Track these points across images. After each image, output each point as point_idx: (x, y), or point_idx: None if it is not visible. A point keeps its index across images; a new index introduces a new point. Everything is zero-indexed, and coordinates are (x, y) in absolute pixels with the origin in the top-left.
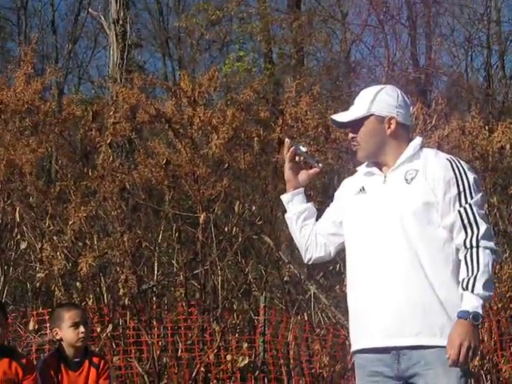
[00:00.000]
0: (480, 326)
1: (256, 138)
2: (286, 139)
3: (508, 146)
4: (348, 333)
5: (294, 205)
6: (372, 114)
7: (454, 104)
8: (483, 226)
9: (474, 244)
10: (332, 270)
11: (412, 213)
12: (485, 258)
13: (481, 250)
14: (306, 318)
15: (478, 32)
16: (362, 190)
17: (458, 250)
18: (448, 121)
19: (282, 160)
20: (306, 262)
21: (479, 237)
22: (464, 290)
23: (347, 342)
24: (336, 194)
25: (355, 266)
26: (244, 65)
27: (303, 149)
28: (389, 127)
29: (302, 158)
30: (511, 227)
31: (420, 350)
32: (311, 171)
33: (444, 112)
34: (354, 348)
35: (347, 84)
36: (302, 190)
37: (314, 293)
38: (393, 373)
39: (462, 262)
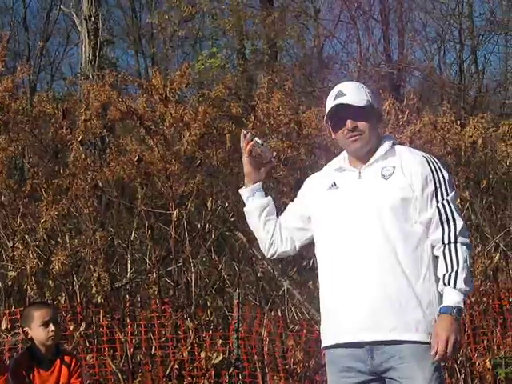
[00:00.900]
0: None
1: (228, 135)
2: (243, 131)
3: (480, 141)
4: None
5: (256, 199)
6: (374, 108)
7: (426, 99)
8: (460, 222)
9: (452, 240)
10: (305, 266)
11: (390, 208)
12: (463, 253)
13: (459, 245)
14: (279, 314)
15: (450, 27)
16: (334, 185)
17: (433, 247)
18: (420, 116)
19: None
20: (268, 256)
21: (457, 232)
22: (446, 285)
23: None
24: (302, 190)
25: (329, 261)
26: (217, 61)
27: (259, 141)
28: (382, 120)
29: (258, 150)
30: (483, 221)
31: (395, 345)
32: (267, 165)
33: (416, 107)
34: (326, 343)
35: (320, 80)
36: (261, 183)
37: (287, 289)
38: (366, 368)
39: (441, 258)
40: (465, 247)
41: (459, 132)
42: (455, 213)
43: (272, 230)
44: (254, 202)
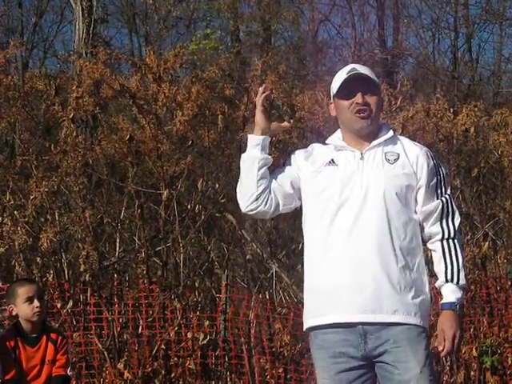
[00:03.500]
0: None
1: (221, 116)
2: (264, 86)
3: (472, 129)
4: None
5: (263, 151)
6: (380, 91)
7: (420, 86)
8: (459, 220)
9: (452, 235)
10: (294, 249)
11: (396, 193)
12: (460, 248)
13: (456, 241)
14: (267, 297)
15: (446, 14)
16: (332, 162)
17: (428, 238)
18: (413, 102)
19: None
20: (245, 209)
21: (456, 229)
22: (447, 281)
23: None
24: (294, 160)
25: (324, 237)
26: (211, 42)
27: (279, 103)
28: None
29: (273, 111)
30: (473, 210)
31: (389, 329)
32: (282, 124)
33: (409, 93)
34: (317, 322)
35: (314, 64)
36: (269, 139)
37: (275, 271)
38: (359, 353)
39: (439, 253)
40: (459, 244)
41: (452, 120)
42: (455, 209)
43: (263, 188)
44: (261, 152)
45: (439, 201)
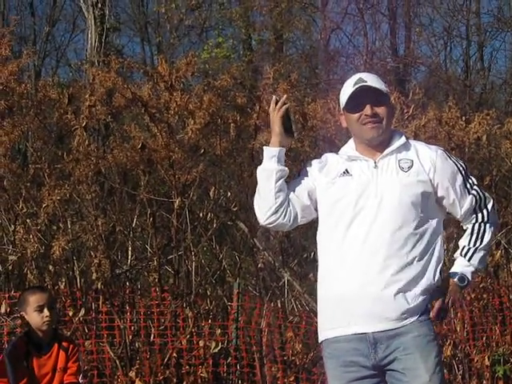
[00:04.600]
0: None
1: (232, 124)
2: (275, 97)
3: (484, 137)
4: None
5: (279, 161)
6: (390, 99)
7: (432, 94)
8: (490, 202)
9: (486, 219)
10: (306, 257)
11: (411, 201)
12: (489, 234)
13: (488, 226)
14: (279, 305)
15: (458, 23)
16: (347, 172)
17: (465, 222)
18: (425, 111)
19: (259, 144)
20: (264, 222)
21: (489, 213)
22: (461, 255)
23: None
24: (309, 171)
25: (341, 248)
26: (223, 51)
27: (291, 115)
28: (394, 115)
29: (286, 122)
30: None
31: (400, 337)
32: (289, 138)
33: (421, 102)
34: (330, 335)
35: (326, 72)
36: (285, 149)
37: (287, 280)
38: (369, 362)
39: (469, 230)
40: (493, 227)
41: (464, 128)
42: (486, 194)
43: (282, 200)
44: (278, 164)
45: (471, 196)
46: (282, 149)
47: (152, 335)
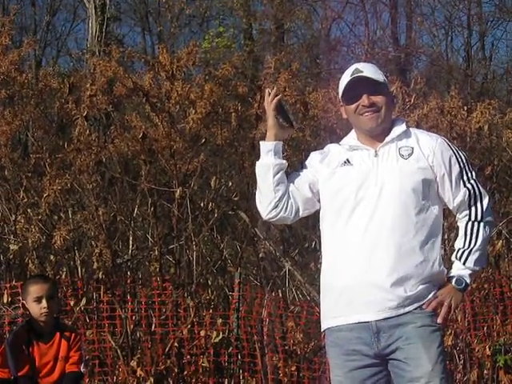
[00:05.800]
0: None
1: (234, 114)
2: (268, 90)
3: (486, 127)
4: None
5: (277, 156)
6: (388, 88)
7: (433, 84)
8: (486, 199)
9: (479, 218)
10: (307, 247)
11: (412, 188)
12: (484, 233)
13: (482, 224)
14: (280, 295)
15: (459, 12)
16: (348, 162)
17: (459, 217)
18: (427, 100)
19: (260, 133)
20: (266, 217)
21: (484, 211)
22: (456, 259)
23: None
24: (310, 163)
25: (343, 237)
26: (224, 41)
27: (287, 106)
28: (394, 104)
29: (281, 114)
30: None
31: (402, 327)
32: (288, 129)
33: (423, 91)
34: (333, 324)
35: (327, 62)
36: (281, 144)
37: (288, 270)
38: (372, 351)
39: (462, 231)
40: (487, 227)
41: (465, 118)
42: (482, 190)
43: (281, 194)
44: (275, 158)
45: (465, 189)
46: (278, 142)
47: (153, 325)
